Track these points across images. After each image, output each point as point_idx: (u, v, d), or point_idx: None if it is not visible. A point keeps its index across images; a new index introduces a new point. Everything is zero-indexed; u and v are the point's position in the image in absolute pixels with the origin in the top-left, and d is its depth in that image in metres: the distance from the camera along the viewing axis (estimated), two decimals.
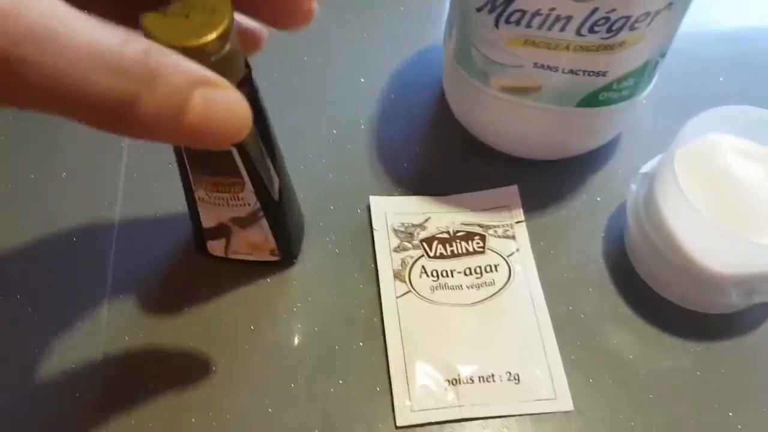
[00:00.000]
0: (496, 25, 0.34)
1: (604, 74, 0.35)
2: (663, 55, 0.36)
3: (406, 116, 0.44)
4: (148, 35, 0.25)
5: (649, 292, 0.38)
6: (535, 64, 0.35)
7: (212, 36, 0.25)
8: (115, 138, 0.41)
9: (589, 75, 0.35)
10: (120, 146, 0.42)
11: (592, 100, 0.36)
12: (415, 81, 0.46)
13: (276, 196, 0.34)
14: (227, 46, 0.26)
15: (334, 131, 0.43)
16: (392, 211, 0.40)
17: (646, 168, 0.38)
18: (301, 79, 0.46)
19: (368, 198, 0.40)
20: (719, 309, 0.37)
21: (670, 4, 0.32)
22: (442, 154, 0.43)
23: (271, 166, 0.34)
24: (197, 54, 0.25)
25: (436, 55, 0.44)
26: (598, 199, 0.41)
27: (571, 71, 0.35)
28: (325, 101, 0.45)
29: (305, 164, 0.42)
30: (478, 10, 0.34)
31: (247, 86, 0.29)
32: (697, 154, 0.37)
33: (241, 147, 0.31)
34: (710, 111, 0.35)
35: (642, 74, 0.36)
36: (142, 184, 0.41)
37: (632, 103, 0.37)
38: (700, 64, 0.47)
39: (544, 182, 0.41)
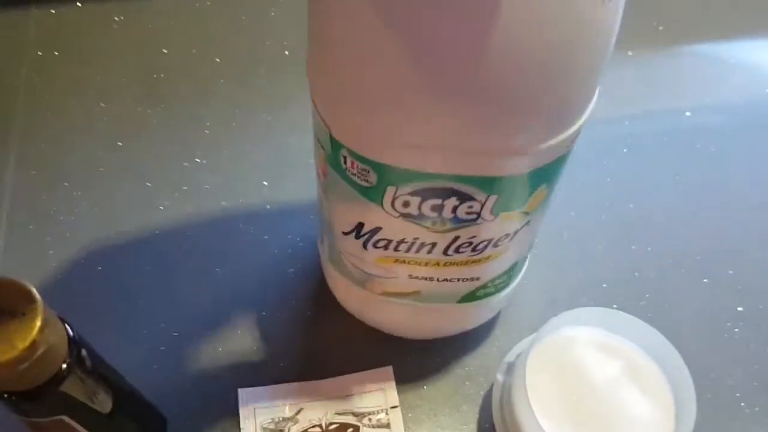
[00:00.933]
0: (365, 248, 0.33)
1: (477, 279, 0.35)
2: (530, 249, 0.37)
3: (280, 296, 0.43)
4: None
5: None
6: (410, 276, 0.35)
7: (16, 353, 0.24)
8: None
9: (463, 281, 0.35)
10: None
11: (470, 297, 0.37)
12: (294, 258, 0.45)
13: (108, 410, 0.32)
14: (40, 350, 0.25)
15: (194, 305, 0.41)
16: (261, 405, 0.38)
17: (510, 357, 0.38)
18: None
19: (236, 390, 0.38)
20: None
21: (528, 222, 0.32)
22: (319, 333, 0.41)
23: (105, 395, 0.32)
24: (5, 367, 0.24)
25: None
26: (475, 379, 0.40)
27: (446, 280, 0.35)
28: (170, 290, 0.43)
29: (164, 354, 0.39)
30: (345, 234, 0.33)
31: (71, 358, 0.27)
32: (554, 350, 0.37)
33: (76, 413, 0.29)
34: (569, 312, 0.36)
35: (512, 271, 0.37)
36: None
37: (507, 290, 0.38)
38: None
39: (421, 361, 0.40)
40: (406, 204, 0.30)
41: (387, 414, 0.38)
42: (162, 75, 0.53)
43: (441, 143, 0.27)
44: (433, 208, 0.30)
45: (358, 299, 0.39)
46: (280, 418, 0.38)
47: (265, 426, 0.37)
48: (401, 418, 0.38)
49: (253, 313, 0.42)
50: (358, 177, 0.30)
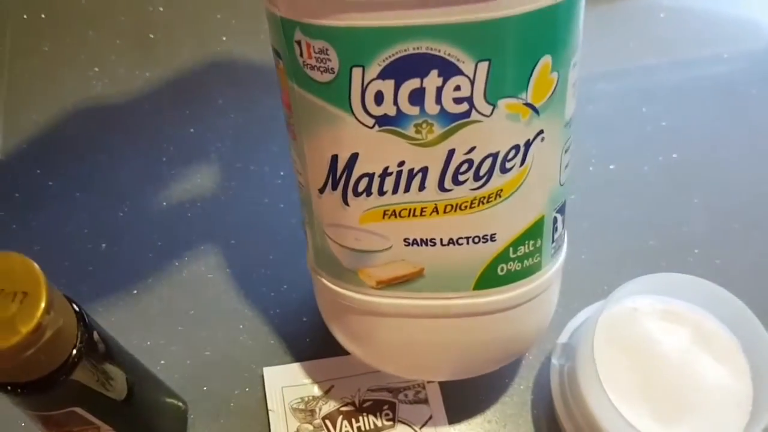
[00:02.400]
0: (345, 202, 0.28)
1: (493, 237, 0.28)
2: (561, 210, 0.30)
3: (300, 270, 0.39)
4: None
5: None
6: (406, 241, 0.28)
7: (20, 337, 0.21)
8: None
9: (475, 242, 0.28)
10: None
11: (490, 278, 0.29)
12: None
13: (125, 397, 0.29)
14: (46, 334, 0.21)
15: (210, 275, 0.38)
16: (289, 384, 0.35)
17: (563, 337, 0.35)
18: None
19: (261, 370, 0.36)
20: None
21: (541, 133, 0.26)
22: None
23: (121, 381, 0.29)
24: (9, 353, 0.21)
25: None
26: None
27: (452, 241, 0.28)
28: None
29: (180, 334, 0.37)
30: (321, 191, 0.28)
31: (81, 344, 0.25)
32: (617, 325, 0.34)
33: (89, 403, 0.26)
34: (626, 284, 0.33)
35: (540, 233, 0.29)
36: None
37: (544, 276, 0.30)
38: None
39: None
40: (379, 98, 0.25)
41: (424, 388, 0.35)
42: (159, 35, 0.49)
43: None
44: (414, 98, 0.25)
45: (359, 325, 0.32)
46: (310, 397, 0.35)
47: (295, 406, 0.35)
48: (439, 392, 0.35)
49: (274, 289, 0.39)
50: (318, 69, 0.25)
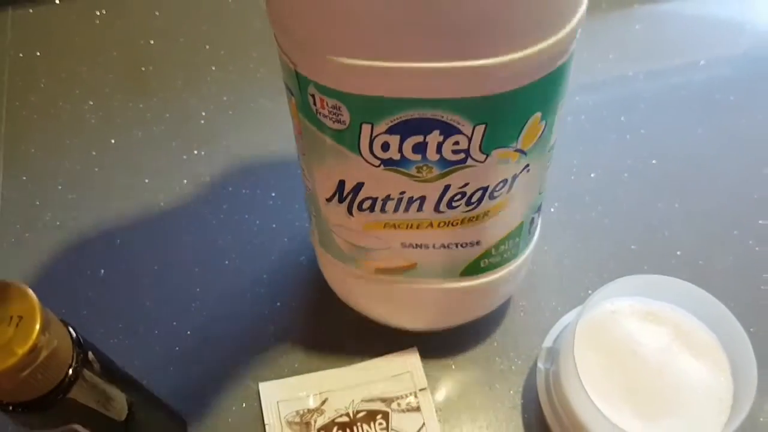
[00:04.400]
0: (350, 212, 0.31)
1: (478, 243, 0.32)
2: (538, 210, 0.34)
3: (293, 285, 0.41)
4: None
5: None
6: (403, 244, 0.32)
7: (15, 360, 0.22)
8: None
9: (462, 247, 0.32)
10: None
11: (473, 269, 0.33)
12: (287, 230, 0.43)
13: (123, 417, 0.30)
14: (41, 356, 0.23)
15: (201, 299, 0.40)
16: (284, 399, 0.36)
17: (548, 341, 0.36)
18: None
19: (257, 384, 0.37)
20: None
21: (527, 166, 0.29)
22: (337, 319, 0.39)
23: (120, 400, 0.30)
24: (5, 375, 0.22)
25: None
26: (505, 354, 0.38)
27: (443, 246, 0.32)
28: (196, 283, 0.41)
29: (177, 353, 0.38)
30: (328, 200, 0.31)
31: (77, 363, 0.26)
32: (597, 328, 0.35)
33: (89, 419, 0.27)
34: (605, 286, 0.34)
35: (519, 235, 0.33)
36: None
37: (517, 263, 0.35)
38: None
39: (446, 341, 0.38)
40: (385, 146, 0.27)
41: (416, 397, 0.36)
42: (151, 67, 0.50)
43: (412, 59, 0.23)
44: (416, 149, 0.27)
45: (356, 288, 0.36)
46: (305, 410, 0.36)
47: (290, 420, 0.35)
48: (431, 400, 0.36)
49: (267, 305, 0.40)
50: (330, 118, 0.27)
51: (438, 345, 0.38)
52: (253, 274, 0.41)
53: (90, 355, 0.26)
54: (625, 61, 0.51)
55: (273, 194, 0.44)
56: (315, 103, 0.27)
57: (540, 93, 0.26)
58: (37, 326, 0.23)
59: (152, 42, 0.52)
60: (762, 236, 0.42)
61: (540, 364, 0.35)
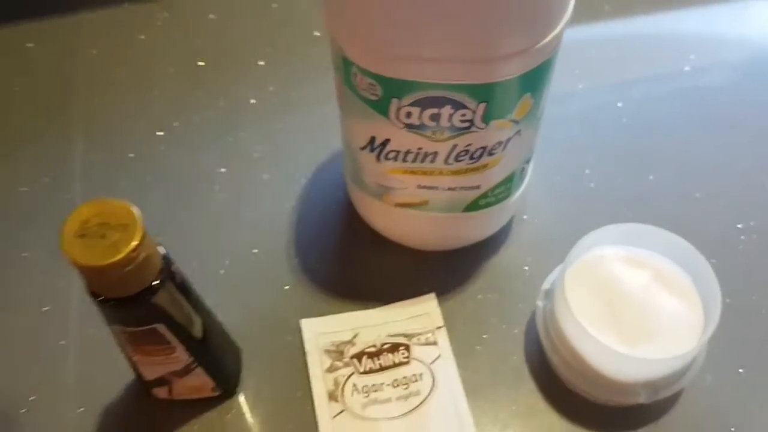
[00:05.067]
0: (378, 160, 0.39)
1: (478, 187, 0.40)
2: (528, 161, 0.42)
3: (319, 231, 0.48)
4: (69, 259, 0.28)
5: (565, 390, 0.41)
6: (418, 186, 0.40)
7: (121, 255, 0.28)
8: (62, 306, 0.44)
9: (465, 190, 0.40)
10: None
11: (473, 206, 0.42)
12: (324, 198, 0.50)
13: (201, 336, 0.36)
14: (141, 256, 0.29)
15: (255, 250, 0.47)
16: (323, 332, 0.43)
17: (546, 284, 0.42)
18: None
19: (299, 321, 0.43)
20: (630, 403, 0.40)
21: (519, 132, 0.37)
22: (361, 260, 0.46)
23: (194, 316, 0.36)
24: (112, 269, 0.28)
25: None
26: (510, 301, 0.44)
27: (450, 189, 0.40)
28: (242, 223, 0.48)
29: (231, 294, 0.44)
30: (362, 149, 0.39)
31: (164, 272, 0.32)
32: (587, 270, 0.41)
33: (168, 322, 0.34)
34: (594, 232, 0.40)
35: (511, 181, 0.42)
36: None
37: (509, 202, 0.43)
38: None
39: (462, 285, 0.45)
40: (408, 115, 0.35)
41: (434, 333, 0.43)
42: (204, 63, 0.58)
43: (431, 54, 0.32)
44: (432, 117, 0.35)
45: (380, 214, 0.45)
46: (340, 341, 0.42)
47: (327, 349, 0.42)
48: (447, 335, 0.43)
49: (306, 255, 0.46)
50: (367, 92, 0.35)
51: (453, 292, 0.44)
52: (298, 226, 0.48)
53: (173, 267, 0.33)
54: (618, 57, 0.58)
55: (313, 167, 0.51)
56: (355, 80, 0.34)
57: (530, 80, 0.34)
58: (139, 233, 0.29)
59: (206, 40, 0.59)
60: (726, 191, 0.49)
61: (539, 302, 0.42)
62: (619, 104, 0.55)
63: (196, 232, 0.48)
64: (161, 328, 0.33)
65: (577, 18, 0.36)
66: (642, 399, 0.38)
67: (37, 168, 0.51)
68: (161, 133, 0.53)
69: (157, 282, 0.32)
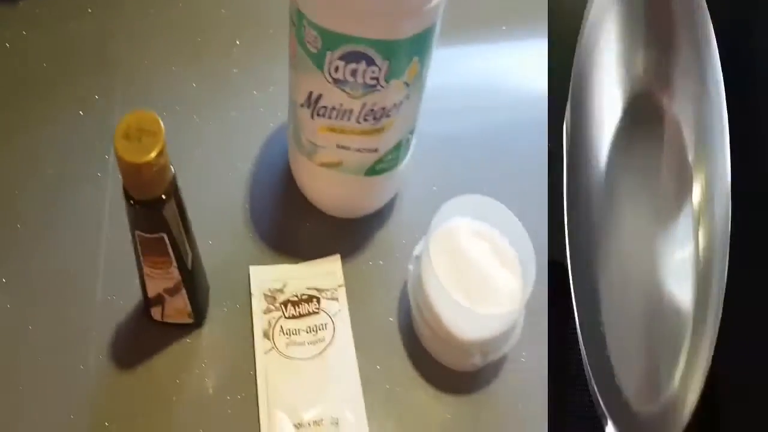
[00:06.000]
0: (312, 117, 0.48)
1: (376, 150, 0.49)
2: (411, 133, 0.50)
3: (265, 194, 0.57)
4: (118, 157, 0.35)
5: (428, 356, 0.51)
6: (337, 146, 0.49)
7: (154, 153, 0.35)
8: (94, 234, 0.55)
9: (368, 152, 0.49)
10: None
11: (372, 170, 0.51)
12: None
13: (189, 266, 0.45)
14: (163, 158, 0.37)
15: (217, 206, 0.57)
16: (264, 278, 0.53)
17: (417, 251, 0.48)
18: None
19: (248, 268, 0.54)
20: (470, 368, 0.50)
21: (408, 95, 0.46)
22: (294, 220, 0.56)
23: (187, 243, 0.44)
24: (147, 166, 0.36)
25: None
26: (397, 265, 0.53)
27: (357, 150, 0.49)
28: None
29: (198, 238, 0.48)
30: (301, 106, 0.48)
31: (173, 185, 0.39)
32: (444, 239, 0.49)
33: (170, 235, 0.41)
34: (451, 201, 0.48)
35: (399, 149, 0.50)
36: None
37: (397, 171, 0.52)
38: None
39: (363, 250, 0.54)
40: (336, 69, 0.43)
41: (336, 290, 0.53)
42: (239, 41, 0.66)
43: (356, 6, 0.40)
44: (352, 73, 0.43)
45: (307, 174, 0.54)
46: (275, 288, 0.53)
47: (265, 293, 0.53)
48: (345, 293, 0.53)
49: (255, 211, 0.56)
50: (311, 45, 0.43)
51: (352, 255, 0.54)
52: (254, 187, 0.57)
53: (177, 182, 0.40)
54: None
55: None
56: (304, 33, 0.43)
57: (418, 44, 0.43)
58: (163, 139, 0.35)
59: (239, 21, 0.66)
60: None
61: (410, 266, 0.51)
62: None
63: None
64: (165, 238, 0.40)
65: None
66: (477, 360, 0.47)
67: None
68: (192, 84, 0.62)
69: (169, 191, 0.38)
